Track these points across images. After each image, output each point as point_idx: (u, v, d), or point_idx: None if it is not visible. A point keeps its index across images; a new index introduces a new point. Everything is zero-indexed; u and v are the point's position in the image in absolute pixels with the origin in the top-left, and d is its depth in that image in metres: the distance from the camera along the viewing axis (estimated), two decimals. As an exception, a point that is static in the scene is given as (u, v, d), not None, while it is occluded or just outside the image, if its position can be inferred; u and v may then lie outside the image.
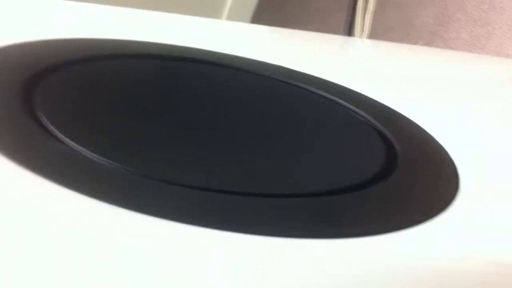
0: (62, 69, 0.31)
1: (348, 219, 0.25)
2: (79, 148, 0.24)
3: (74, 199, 0.20)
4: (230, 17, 1.50)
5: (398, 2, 1.15)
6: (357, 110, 0.36)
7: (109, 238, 0.19)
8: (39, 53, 0.32)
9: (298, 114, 0.35)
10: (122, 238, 0.19)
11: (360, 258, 0.22)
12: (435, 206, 0.26)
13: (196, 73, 0.37)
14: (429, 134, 0.35)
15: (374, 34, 1.19)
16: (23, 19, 0.39)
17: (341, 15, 1.28)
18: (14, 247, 0.17)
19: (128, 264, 0.18)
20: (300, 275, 0.20)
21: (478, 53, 1.04)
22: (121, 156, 0.25)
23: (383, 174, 0.28)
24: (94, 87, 0.31)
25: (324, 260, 0.21)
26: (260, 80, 0.38)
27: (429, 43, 1.10)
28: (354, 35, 1.19)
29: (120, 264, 0.18)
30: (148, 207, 0.21)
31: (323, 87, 0.39)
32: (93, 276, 0.17)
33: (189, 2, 1.42)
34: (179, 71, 0.36)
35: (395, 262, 0.22)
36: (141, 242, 0.19)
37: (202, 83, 0.36)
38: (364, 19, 1.18)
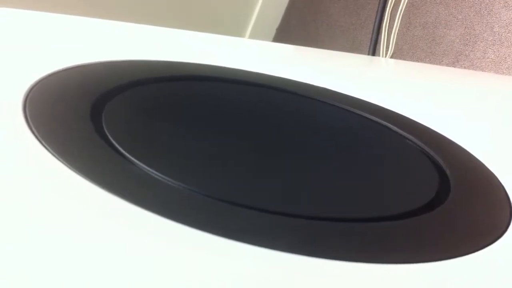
0: (126, 91, 0.32)
1: (404, 246, 0.25)
2: (149, 170, 0.25)
3: (148, 218, 0.21)
4: (253, 35, 1.52)
5: (424, 21, 1.15)
6: (405, 134, 0.36)
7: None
8: (101, 75, 0.33)
9: (350, 138, 0.36)
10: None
11: (417, 285, 0.22)
12: (490, 233, 0.27)
13: (248, 94, 0.37)
14: (476, 158, 0.35)
15: (399, 52, 1.20)
16: (82, 41, 0.40)
17: (366, 32, 1.29)
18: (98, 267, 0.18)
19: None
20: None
21: (505, 73, 1.04)
22: (186, 176, 0.26)
23: (437, 200, 0.29)
24: (156, 108, 0.32)
25: (379, 286, 0.22)
26: (307, 102, 0.39)
27: (454, 62, 1.10)
28: (379, 53, 1.20)
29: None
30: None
31: (367, 110, 0.39)
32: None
33: (212, 20, 1.44)
34: (233, 92, 0.37)
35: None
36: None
37: (252, 104, 0.37)
38: (389, 37, 1.18)
